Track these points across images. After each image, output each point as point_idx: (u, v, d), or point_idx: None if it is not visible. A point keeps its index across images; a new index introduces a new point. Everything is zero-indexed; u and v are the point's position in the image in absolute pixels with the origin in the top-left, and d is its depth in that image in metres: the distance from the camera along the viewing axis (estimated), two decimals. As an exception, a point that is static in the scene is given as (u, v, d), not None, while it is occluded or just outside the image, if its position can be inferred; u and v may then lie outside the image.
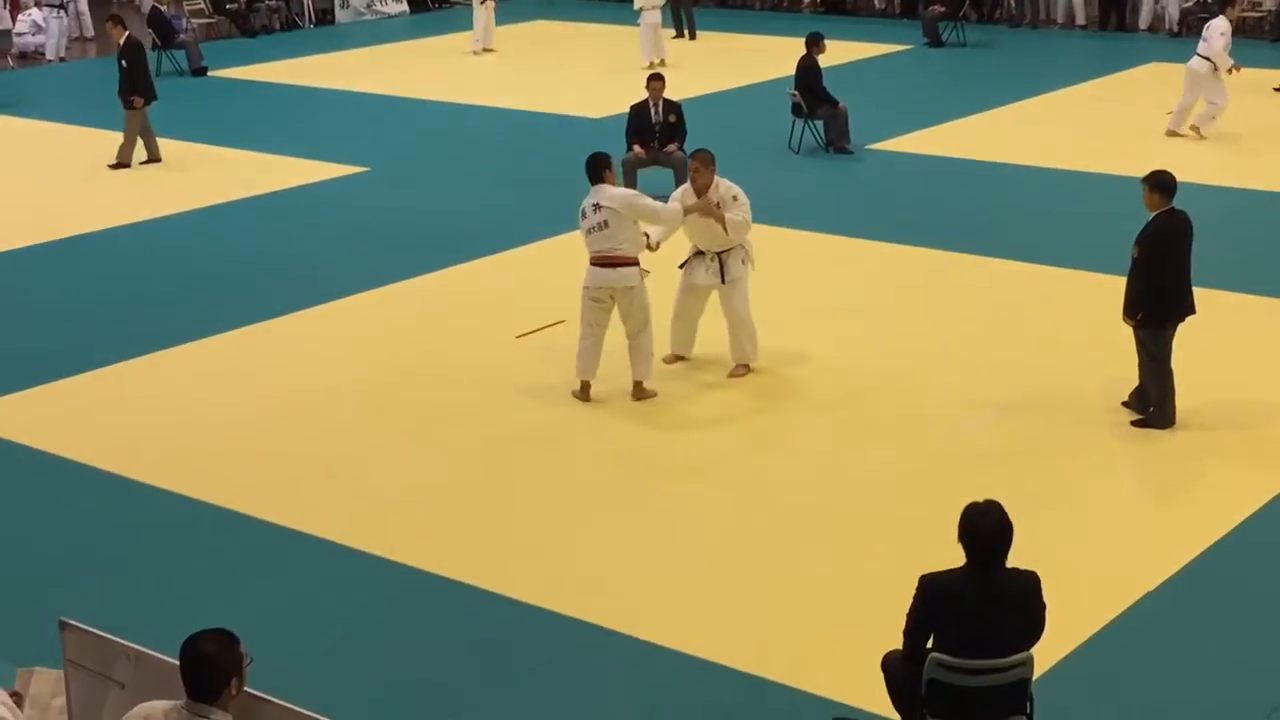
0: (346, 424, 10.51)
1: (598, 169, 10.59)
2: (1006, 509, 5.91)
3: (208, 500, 9.36)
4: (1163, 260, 9.74)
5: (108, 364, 11.66)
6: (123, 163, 17.80)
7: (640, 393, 10.68)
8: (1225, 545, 8.53)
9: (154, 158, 18.02)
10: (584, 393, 10.70)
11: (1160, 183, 9.78)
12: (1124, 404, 10.24)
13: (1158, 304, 9.78)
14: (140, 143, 17.90)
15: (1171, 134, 17.85)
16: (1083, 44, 25.59)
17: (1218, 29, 17.57)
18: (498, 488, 9.50)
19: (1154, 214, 9.79)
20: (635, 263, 10.51)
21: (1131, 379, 10.17)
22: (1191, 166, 15.65)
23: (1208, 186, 15.15)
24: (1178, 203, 9.82)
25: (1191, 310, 9.89)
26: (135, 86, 17.75)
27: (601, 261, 10.47)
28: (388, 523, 9.06)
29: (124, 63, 17.89)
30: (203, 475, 9.70)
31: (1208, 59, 17.52)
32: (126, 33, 18.39)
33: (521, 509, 9.21)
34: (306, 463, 9.93)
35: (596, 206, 10.44)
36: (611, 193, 10.51)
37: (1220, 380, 10.72)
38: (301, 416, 10.64)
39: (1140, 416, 10.07)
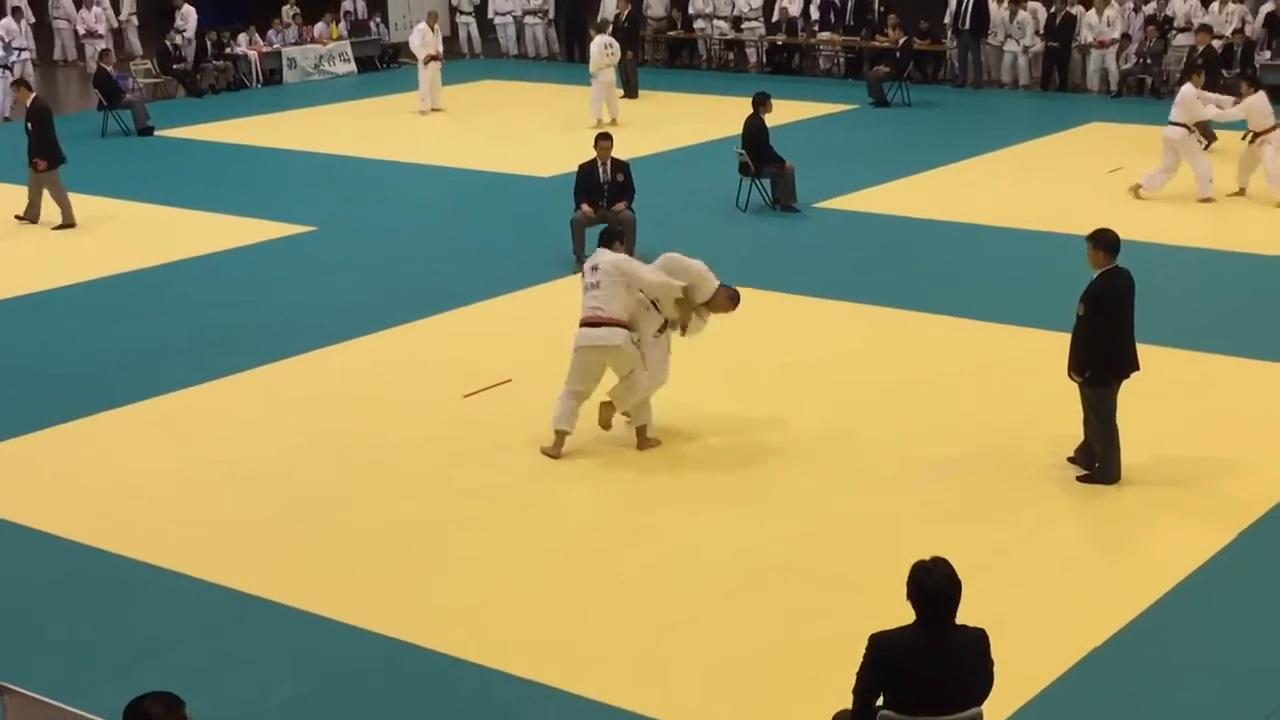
0: (292, 484, 10.44)
1: (609, 238, 11.07)
2: (954, 566, 5.92)
3: (149, 561, 9.26)
4: (1109, 317, 9.84)
5: (45, 427, 11.53)
6: (30, 218, 17.87)
7: (643, 442, 10.78)
8: (1172, 600, 8.58)
9: (67, 222, 17.80)
10: (556, 447, 10.66)
11: (1105, 241, 9.89)
12: (1070, 459, 10.32)
13: (1105, 361, 9.87)
14: (59, 206, 17.79)
15: (1135, 190, 17.91)
16: (1025, 104, 25.91)
17: (1187, 96, 17.72)
18: (446, 548, 9.44)
19: (1098, 271, 9.90)
20: (622, 325, 10.53)
21: (1077, 435, 10.25)
22: (1134, 224, 15.87)
23: (1148, 244, 15.33)
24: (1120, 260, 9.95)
25: (1136, 366, 9.98)
26: (40, 149, 17.73)
27: (589, 321, 10.56)
28: (335, 584, 8.98)
29: (30, 125, 17.90)
30: (146, 537, 9.60)
31: (1182, 125, 17.65)
32: (33, 95, 18.62)
33: (470, 569, 9.15)
34: (251, 524, 9.84)
35: (594, 268, 10.69)
36: (610, 256, 10.70)
37: (1164, 436, 10.82)
38: (246, 478, 10.56)
39: (1086, 472, 10.14)
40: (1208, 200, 17.69)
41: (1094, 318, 9.81)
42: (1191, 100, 17.62)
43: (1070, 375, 10.02)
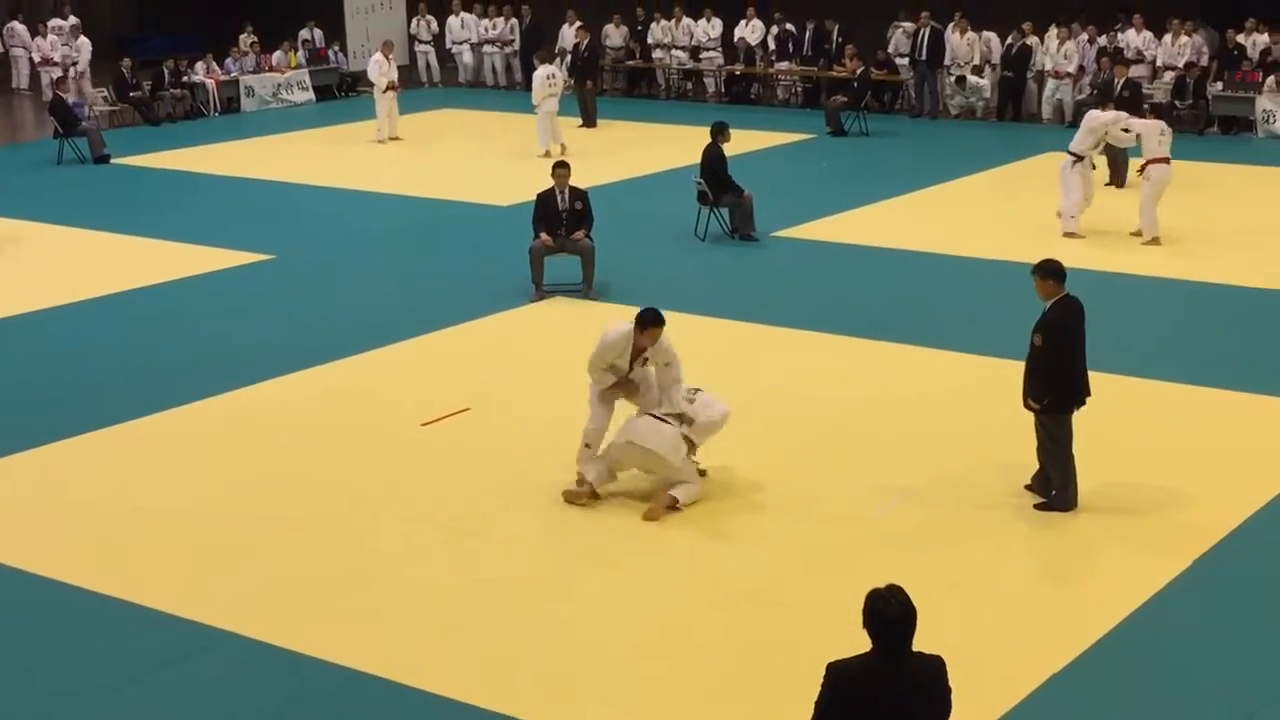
0: (250, 514, 10.38)
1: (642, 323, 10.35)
2: (911, 594, 5.94)
3: (106, 593, 9.19)
4: (1065, 346, 9.91)
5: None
6: None
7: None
8: (1128, 627, 8.63)
9: None
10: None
11: (1054, 270, 9.97)
12: (1026, 487, 10.38)
13: (1063, 390, 9.94)
14: None
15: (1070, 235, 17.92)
16: (981, 133, 26.09)
17: (1085, 124, 17.71)
18: (404, 577, 9.41)
19: (1050, 301, 9.97)
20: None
21: (1032, 463, 10.31)
22: (1086, 253, 16.05)
23: (1097, 272, 15.47)
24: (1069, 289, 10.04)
25: (1088, 393, 10.06)
26: None
27: None
28: (294, 614, 8.93)
29: None
30: (102, 567, 9.53)
31: (1072, 154, 17.58)
32: None
33: (428, 598, 9.12)
34: (209, 554, 9.78)
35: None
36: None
37: (1118, 464, 10.89)
38: (203, 507, 10.50)
39: (1043, 500, 10.20)
40: (1071, 235, 17.47)
41: (1051, 347, 9.89)
42: (1097, 124, 17.47)
43: (1027, 404, 10.08)
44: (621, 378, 10.50)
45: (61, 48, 30.12)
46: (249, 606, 9.01)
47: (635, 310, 10.54)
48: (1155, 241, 17.09)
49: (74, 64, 29.48)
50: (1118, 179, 20.15)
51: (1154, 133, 17.35)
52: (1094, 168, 17.88)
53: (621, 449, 10.31)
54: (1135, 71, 25.91)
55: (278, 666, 8.37)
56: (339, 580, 9.38)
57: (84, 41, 29.74)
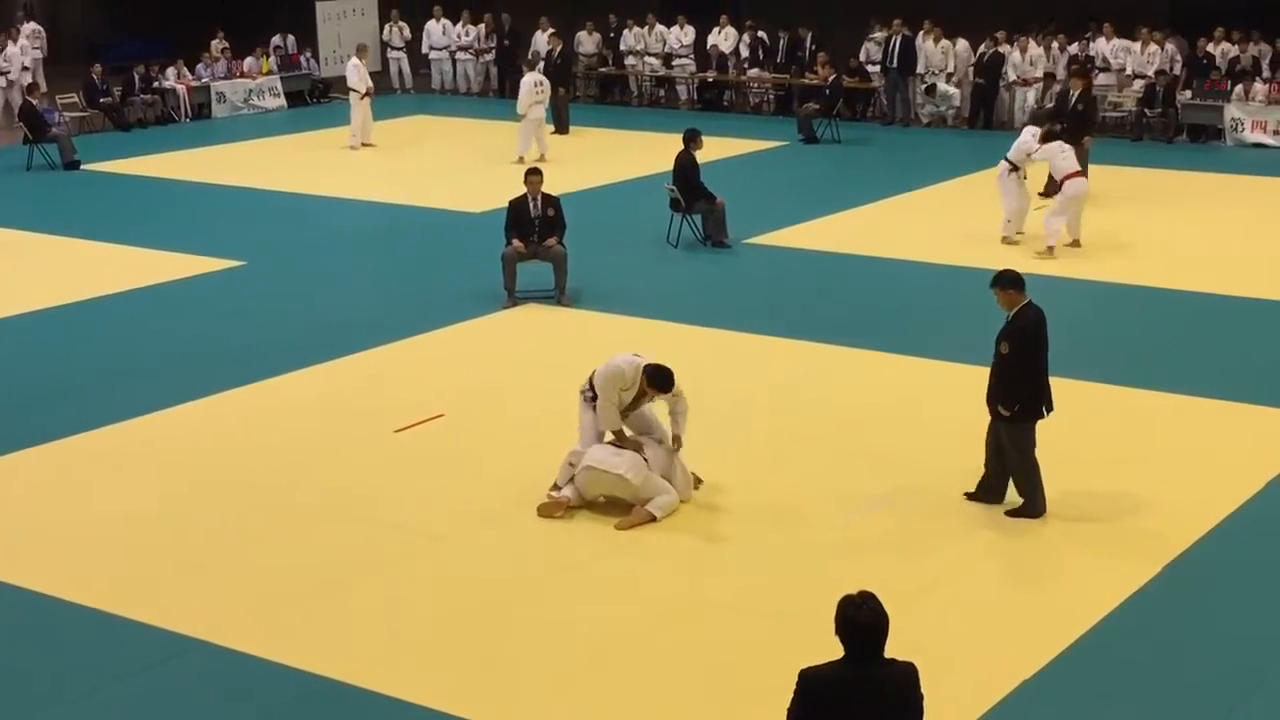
0: (220, 521, 10.34)
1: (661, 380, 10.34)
2: (882, 601, 5.96)
3: (74, 600, 9.14)
4: (1030, 354, 9.97)
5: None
6: None
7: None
8: (1099, 632, 8.66)
9: None
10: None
11: (1013, 280, 10.06)
12: (967, 495, 10.40)
13: (1031, 397, 9.99)
14: None
15: (1006, 240, 17.82)
16: (952, 141, 26.19)
17: (1023, 143, 17.63)
18: (375, 584, 9.38)
19: (1013, 310, 10.03)
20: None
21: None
22: (1056, 261, 16.12)
23: (1060, 280, 15.53)
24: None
25: (1052, 402, 10.13)
26: None
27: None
28: (263, 622, 8.90)
29: None
30: (71, 575, 9.47)
31: (1008, 162, 17.60)
32: None
33: (399, 605, 9.10)
34: (179, 562, 9.74)
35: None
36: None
37: (1085, 470, 10.93)
38: (174, 514, 10.46)
39: (1011, 508, 10.23)
40: (1008, 241, 17.66)
41: (1019, 354, 9.94)
42: (1030, 149, 17.47)
43: (995, 411, 10.11)
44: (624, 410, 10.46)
45: (33, 51, 29.91)
46: (219, 614, 8.98)
47: (609, 317, 10.57)
48: (1050, 252, 16.94)
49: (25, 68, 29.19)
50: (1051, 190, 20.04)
51: (1055, 153, 17.43)
52: (1025, 177, 17.98)
53: (584, 475, 10.29)
54: (1104, 80, 26.11)
55: (248, 674, 8.34)
56: (311, 588, 9.35)
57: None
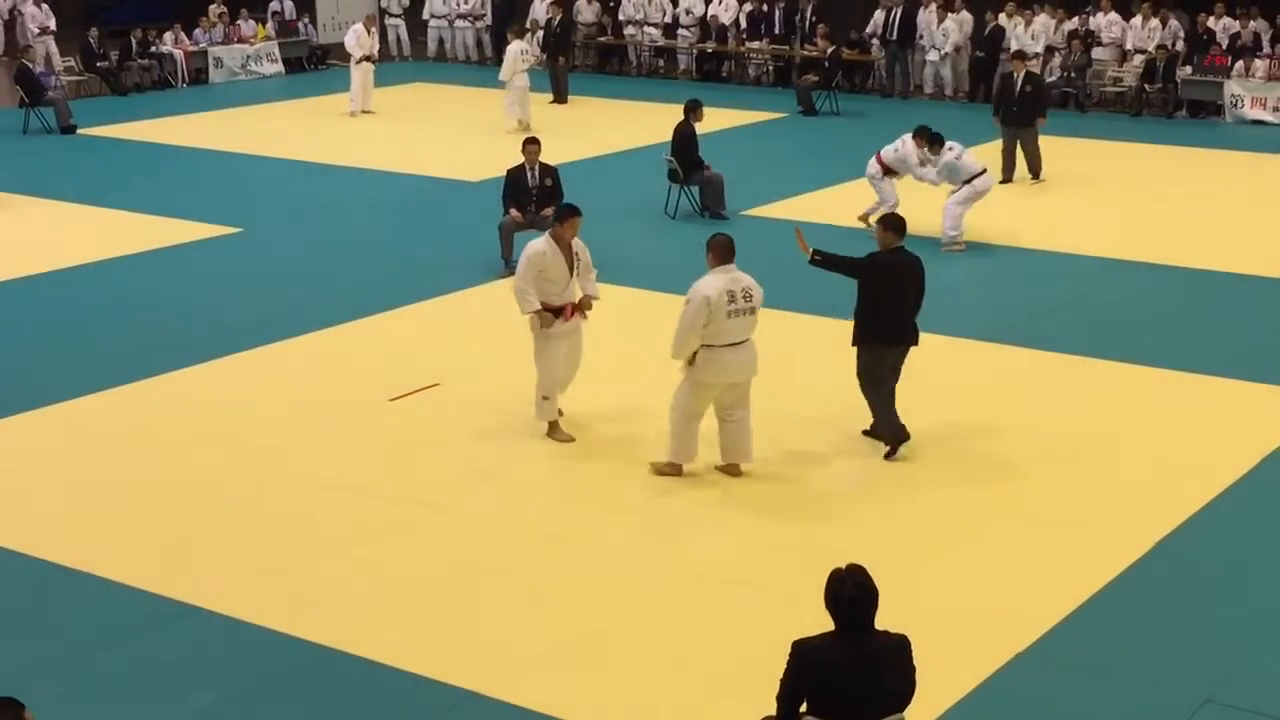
0: (214, 488, 10.35)
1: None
2: (872, 573, 5.97)
3: (69, 565, 9.16)
4: (875, 287, 10.56)
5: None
6: None
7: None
8: (1083, 613, 8.66)
9: None
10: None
11: (893, 224, 10.73)
12: (864, 432, 10.91)
13: (868, 327, 10.61)
14: None
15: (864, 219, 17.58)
16: (952, 114, 25.99)
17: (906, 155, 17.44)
18: (368, 553, 9.40)
19: (885, 249, 10.59)
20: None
21: (985, 450, 10.64)
22: (1063, 234, 16.11)
23: (1065, 255, 15.47)
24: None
25: (907, 341, 10.61)
26: None
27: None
28: (257, 588, 8.92)
29: None
30: (68, 539, 9.50)
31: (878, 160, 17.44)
32: None
33: (393, 574, 9.12)
34: (174, 528, 9.76)
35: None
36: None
37: (1071, 447, 10.94)
38: (168, 481, 10.46)
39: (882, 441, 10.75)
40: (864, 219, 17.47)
41: (866, 286, 10.61)
42: (911, 163, 17.34)
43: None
44: (566, 281, 10.89)
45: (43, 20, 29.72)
46: (212, 580, 8.99)
47: (605, 287, 10.58)
48: (960, 246, 16.42)
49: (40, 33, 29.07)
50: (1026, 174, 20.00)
51: (949, 160, 17.04)
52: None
53: (701, 391, 10.28)
54: (1102, 54, 26.05)
55: (240, 641, 8.36)
56: (304, 555, 9.36)
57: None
